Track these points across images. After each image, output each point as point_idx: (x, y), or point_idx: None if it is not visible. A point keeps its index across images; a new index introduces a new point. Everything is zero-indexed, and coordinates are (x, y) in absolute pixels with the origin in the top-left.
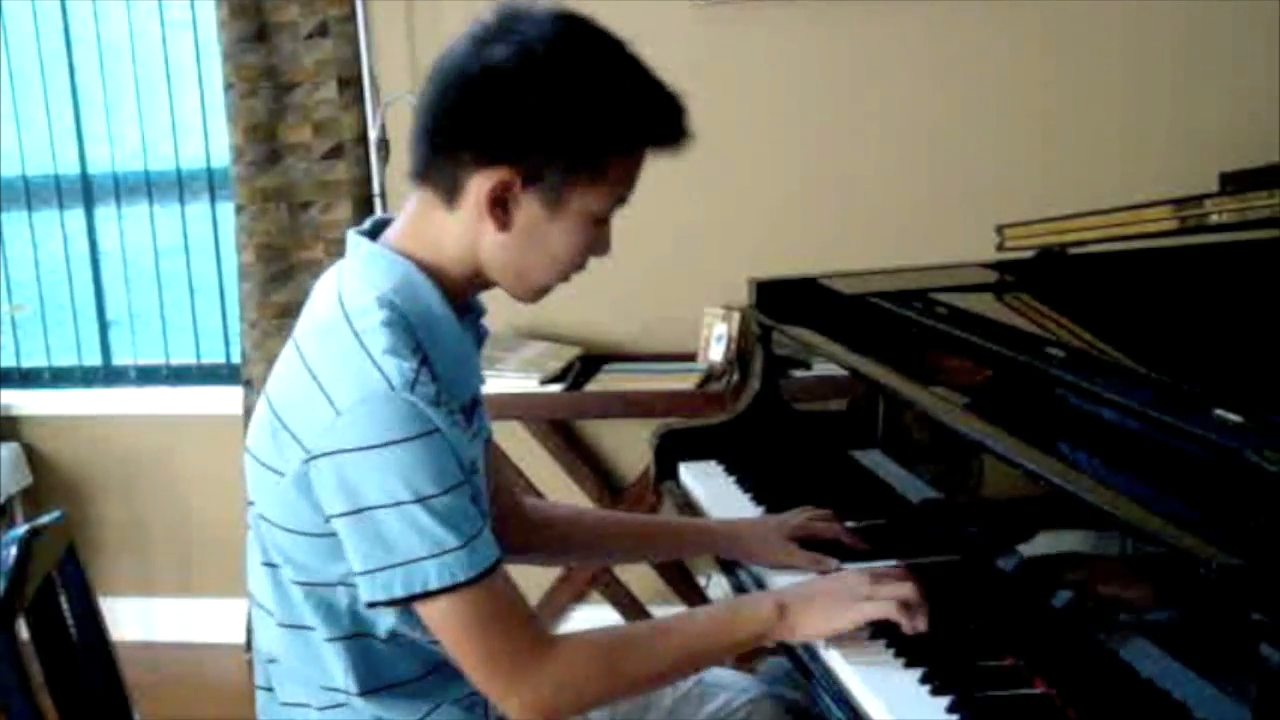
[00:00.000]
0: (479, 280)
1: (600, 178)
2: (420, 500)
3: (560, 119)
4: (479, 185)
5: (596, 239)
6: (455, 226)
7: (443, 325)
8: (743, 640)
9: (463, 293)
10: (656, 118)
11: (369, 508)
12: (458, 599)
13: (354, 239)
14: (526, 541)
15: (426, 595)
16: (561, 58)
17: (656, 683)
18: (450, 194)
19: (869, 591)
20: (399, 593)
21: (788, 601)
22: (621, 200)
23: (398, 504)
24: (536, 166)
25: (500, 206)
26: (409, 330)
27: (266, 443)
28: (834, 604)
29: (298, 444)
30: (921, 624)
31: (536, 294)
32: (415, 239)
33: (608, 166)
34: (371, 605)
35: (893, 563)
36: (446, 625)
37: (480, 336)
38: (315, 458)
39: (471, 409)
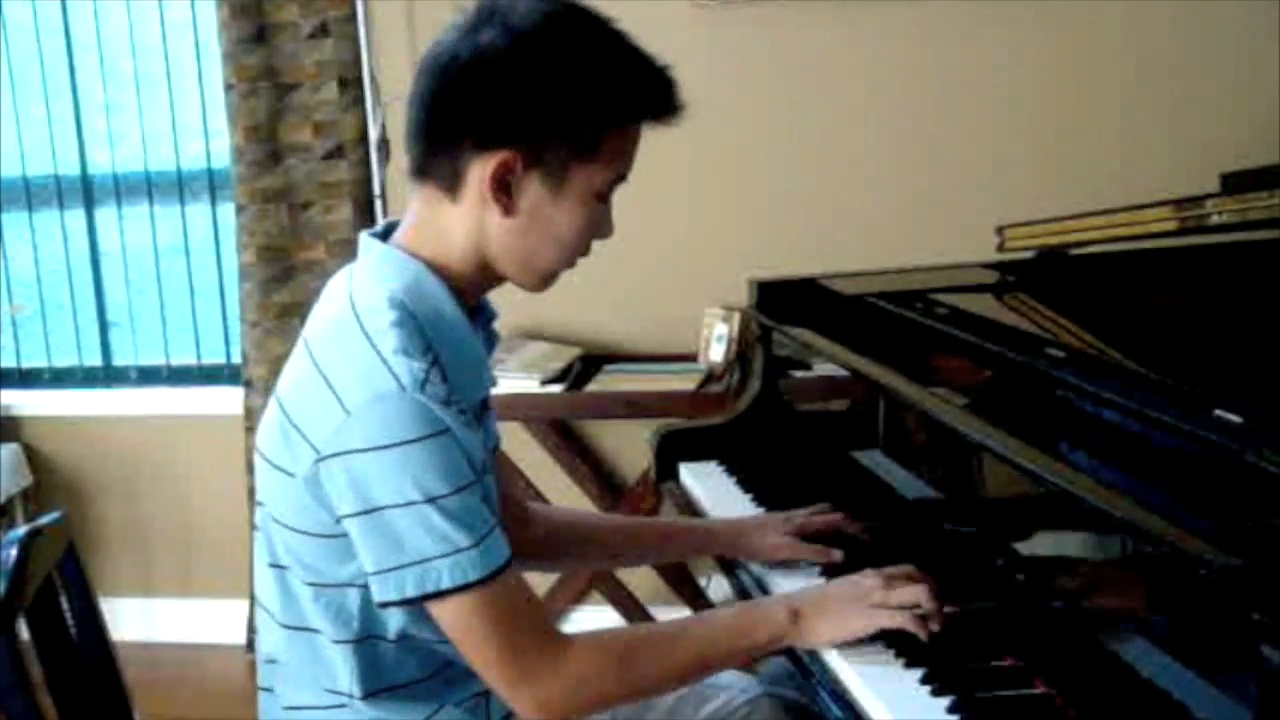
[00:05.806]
0: (488, 274)
1: (598, 154)
2: (431, 500)
3: (554, 98)
4: (480, 172)
5: (599, 219)
6: (460, 218)
7: (453, 326)
8: (758, 644)
9: (473, 292)
10: (648, 92)
11: (380, 508)
12: (470, 598)
13: (366, 241)
14: (532, 551)
15: (439, 595)
16: (551, 37)
17: (667, 686)
18: (453, 185)
19: (882, 598)
20: (411, 592)
21: (800, 607)
22: (621, 177)
23: (409, 504)
24: (535, 147)
25: (504, 190)
26: (419, 331)
27: (277, 443)
28: (847, 609)
29: (308, 444)
30: (936, 627)
31: (543, 281)
32: (423, 238)
33: (604, 142)
34: (384, 605)
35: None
36: (458, 624)
37: (491, 340)
38: (326, 458)
39: (481, 412)
